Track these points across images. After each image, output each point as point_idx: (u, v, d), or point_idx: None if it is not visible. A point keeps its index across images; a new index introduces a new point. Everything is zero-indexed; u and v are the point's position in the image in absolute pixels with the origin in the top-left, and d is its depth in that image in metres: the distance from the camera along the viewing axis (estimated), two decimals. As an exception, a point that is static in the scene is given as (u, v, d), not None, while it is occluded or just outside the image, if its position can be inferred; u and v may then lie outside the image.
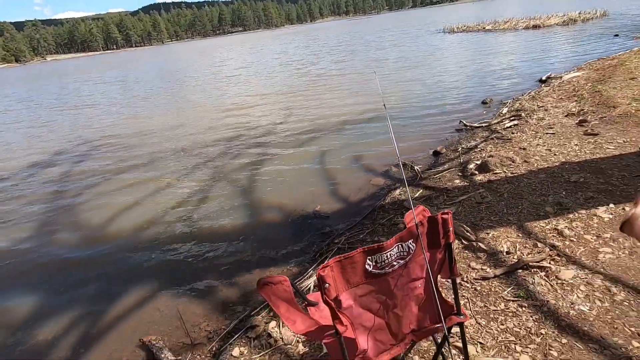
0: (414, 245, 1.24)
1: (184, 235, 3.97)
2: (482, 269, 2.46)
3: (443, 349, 1.65)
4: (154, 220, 4.38)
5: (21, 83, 34.50)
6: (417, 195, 3.89)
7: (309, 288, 2.73)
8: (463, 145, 5.20)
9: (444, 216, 1.26)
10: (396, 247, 1.21)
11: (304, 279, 2.88)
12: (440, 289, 1.48)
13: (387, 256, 1.19)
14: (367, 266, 1.18)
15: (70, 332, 2.82)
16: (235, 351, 2.26)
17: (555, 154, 4.09)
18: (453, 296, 1.38)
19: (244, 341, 2.35)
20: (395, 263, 1.22)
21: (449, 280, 2.24)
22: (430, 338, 1.93)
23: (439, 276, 1.38)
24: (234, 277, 3.19)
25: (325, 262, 1.13)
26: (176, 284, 3.20)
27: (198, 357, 2.37)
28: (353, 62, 16.26)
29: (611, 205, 2.89)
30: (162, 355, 2.33)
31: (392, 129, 6.30)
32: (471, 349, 1.83)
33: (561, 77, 8.08)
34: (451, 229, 1.27)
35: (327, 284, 1.12)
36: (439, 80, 10.18)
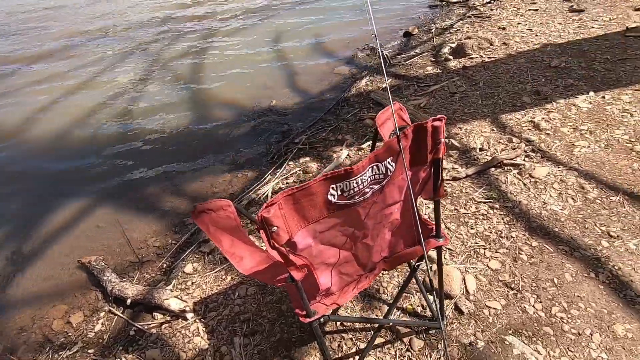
0: (394, 164, 0.91)
1: (119, 136, 3.41)
2: (453, 168, 2.27)
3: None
4: (81, 119, 3.70)
5: None
6: (385, 85, 3.47)
7: (267, 195, 2.47)
8: (437, 25, 4.59)
9: (435, 123, 0.91)
10: (370, 170, 0.87)
11: (261, 184, 2.61)
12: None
13: (357, 182, 0.86)
14: (330, 197, 0.86)
15: (-4, 254, 2.47)
16: (188, 267, 2.07)
17: (536, 35, 3.68)
18: (434, 218, 1.14)
19: (197, 256, 2.15)
20: (367, 190, 0.90)
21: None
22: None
23: (419, 197, 1.10)
24: (182, 185, 2.84)
25: (271, 199, 0.79)
26: (116, 195, 2.82)
27: (147, 275, 2.17)
28: None
29: (591, 93, 2.68)
30: (105, 277, 2.09)
31: (354, 4, 5.42)
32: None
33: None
34: (442, 140, 0.94)
35: (274, 227, 0.80)
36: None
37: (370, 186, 0.90)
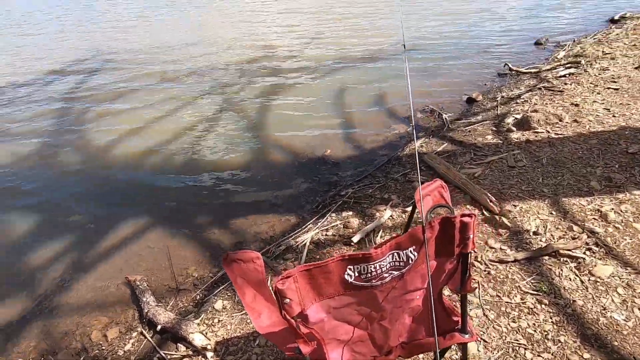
0: (416, 254, 0.90)
1: (184, 167, 3.76)
2: (501, 249, 2.13)
3: None
4: (156, 147, 4.17)
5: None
6: (440, 149, 3.44)
7: (304, 244, 2.51)
8: (503, 94, 4.52)
9: (464, 219, 0.89)
10: (390, 256, 0.88)
11: (301, 232, 2.66)
12: (443, 295, 1.17)
13: (375, 267, 0.87)
14: (346, 277, 0.87)
15: (61, 258, 2.78)
16: (218, 304, 2.14)
17: (614, 116, 3.44)
18: (460, 312, 1.08)
19: (229, 294, 2.22)
20: (386, 275, 0.90)
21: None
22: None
23: (445, 287, 1.06)
24: (228, 219, 3.00)
25: (287, 272, 0.83)
26: (170, 219, 3.06)
27: (180, 304, 2.28)
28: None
29: (675, 188, 2.40)
30: (144, 299, 2.24)
31: (421, 67, 5.57)
32: (471, 346, 1.58)
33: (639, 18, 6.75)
34: (472, 236, 0.92)
35: (287, 300, 0.83)
36: (484, 10, 8.80)
37: (390, 271, 0.90)
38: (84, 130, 4.72)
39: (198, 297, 2.30)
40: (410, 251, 0.89)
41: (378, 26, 8.22)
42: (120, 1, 16.66)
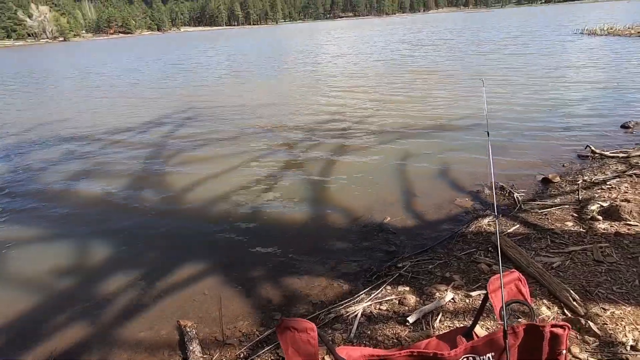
0: (495, 361, 0.80)
1: (246, 220, 3.92)
2: (588, 361, 1.81)
3: None
4: (223, 197, 4.46)
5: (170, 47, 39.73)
6: (511, 230, 3.19)
7: (355, 315, 2.38)
8: (585, 178, 4.16)
9: (555, 330, 0.79)
10: (465, 360, 0.79)
11: (353, 302, 2.55)
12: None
13: (447, 370, 0.78)
14: (413, 374, 0.79)
15: (125, 293, 2.94)
16: (261, 367, 2.06)
17: None
18: None
19: (272, 357, 2.14)
20: (458, 381, 0.80)
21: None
22: None
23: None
24: (281, 278, 3.00)
25: (352, 357, 0.78)
26: (226, 269, 3.14)
27: (224, 359, 2.24)
28: (460, 62, 14.78)
29: None
30: (191, 347, 2.25)
31: (494, 143, 5.44)
32: None
33: None
34: (564, 351, 0.80)
35: (346, 390, 0.77)
36: (566, 91, 8.54)
37: (463, 377, 0.80)
38: (162, 176, 5.26)
39: (242, 354, 2.25)
40: (489, 358, 0.79)
41: (444, 104, 8.37)
42: (213, 67, 19.31)
